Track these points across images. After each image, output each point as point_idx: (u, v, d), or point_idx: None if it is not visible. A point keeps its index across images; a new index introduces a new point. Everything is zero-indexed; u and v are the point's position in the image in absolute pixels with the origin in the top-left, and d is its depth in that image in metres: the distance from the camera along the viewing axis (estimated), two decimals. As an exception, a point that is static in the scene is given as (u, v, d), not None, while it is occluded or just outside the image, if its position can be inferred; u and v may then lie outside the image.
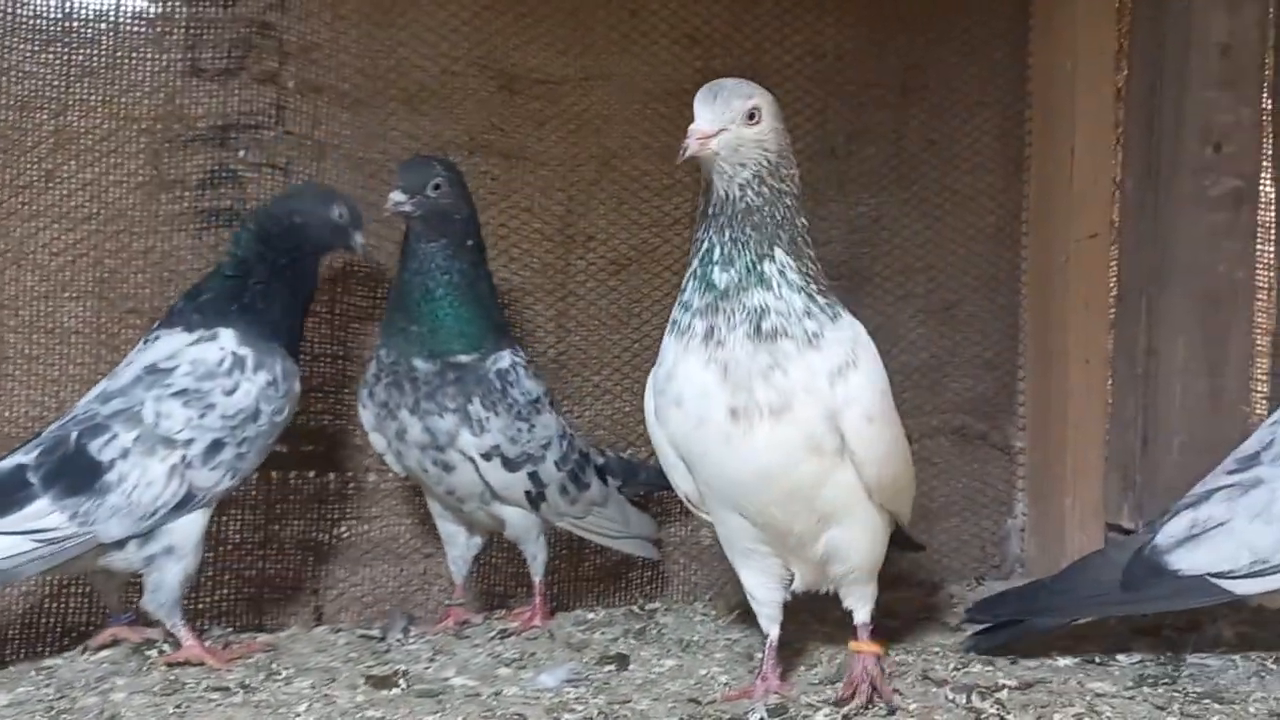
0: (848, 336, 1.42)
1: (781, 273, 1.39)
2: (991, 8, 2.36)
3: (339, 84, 2.03)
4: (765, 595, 1.54)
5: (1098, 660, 1.65)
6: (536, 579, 1.90)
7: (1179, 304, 2.12)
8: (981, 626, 1.68)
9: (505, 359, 1.84)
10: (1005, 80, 2.38)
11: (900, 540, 1.71)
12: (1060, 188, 2.27)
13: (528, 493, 1.84)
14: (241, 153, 1.97)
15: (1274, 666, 1.61)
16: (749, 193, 1.38)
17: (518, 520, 1.87)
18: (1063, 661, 1.64)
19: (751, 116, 1.37)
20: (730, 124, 1.35)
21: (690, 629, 1.85)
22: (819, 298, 1.40)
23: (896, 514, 1.56)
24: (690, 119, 1.40)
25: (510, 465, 1.81)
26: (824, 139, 2.30)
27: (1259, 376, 2.12)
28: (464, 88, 2.08)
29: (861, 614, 1.54)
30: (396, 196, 1.76)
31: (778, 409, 1.37)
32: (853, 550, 1.49)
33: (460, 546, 1.93)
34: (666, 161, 2.18)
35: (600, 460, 1.97)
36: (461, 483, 1.82)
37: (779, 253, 1.39)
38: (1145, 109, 2.19)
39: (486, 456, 1.79)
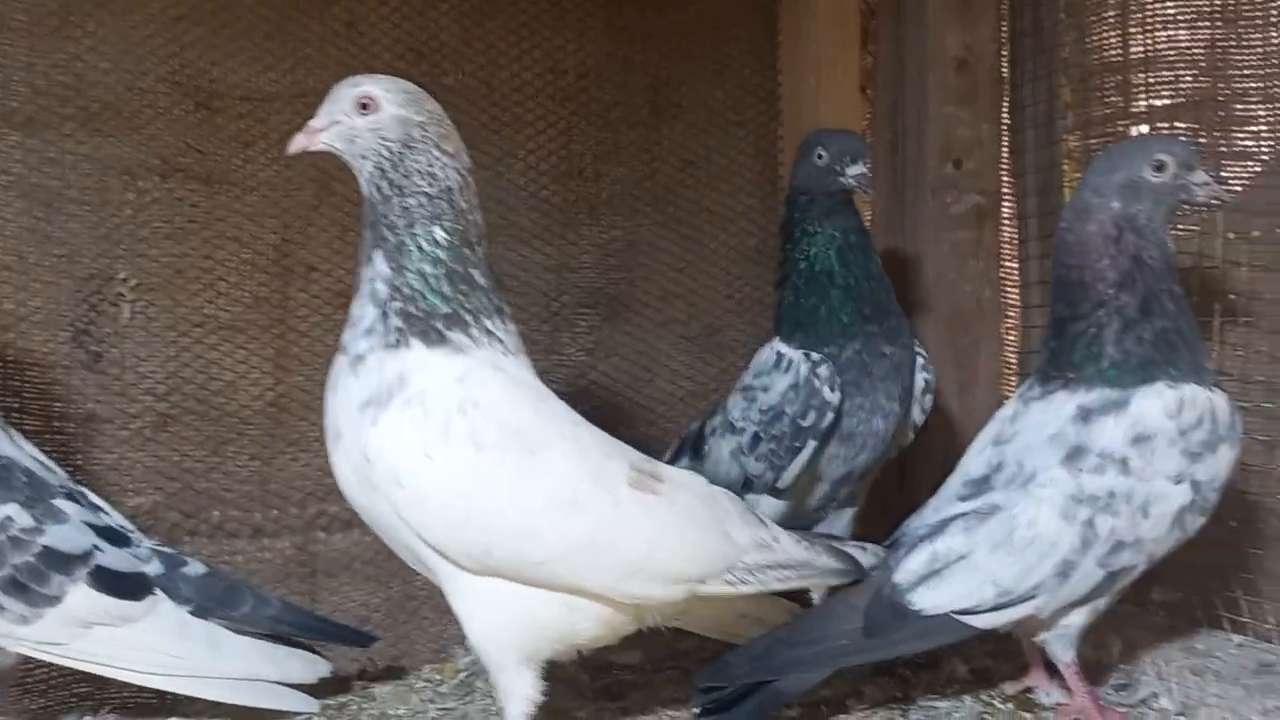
0: (395, 374, 1.28)
1: (371, 280, 1.32)
2: (740, 25, 2.28)
3: (6, 102, 1.81)
4: None
5: (824, 709, 1.54)
6: None
7: (928, 325, 2.07)
8: (712, 700, 1.45)
9: None
10: (757, 99, 2.31)
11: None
12: (811, 208, 2.20)
13: None
14: (-119, 182, 1.73)
15: (1000, 705, 1.54)
16: (373, 188, 1.32)
17: None
18: (789, 713, 1.53)
19: (365, 106, 1.30)
20: (341, 116, 1.31)
21: (402, 702, 1.66)
22: (398, 319, 1.30)
23: (589, 592, 1.31)
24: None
25: None
26: (571, 159, 2.18)
27: (1008, 395, 2.08)
28: (154, 106, 1.88)
29: (506, 715, 1.35)
30: None
31: (333, 434, 1.32)
32: (464, 622, 1.33)
33: None
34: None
35: (153, 568, 1.49)
36: None
37: (377, 258, 1.31)
38: (890, 127, 2.14)
39: None
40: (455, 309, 1.30)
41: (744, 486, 1.76)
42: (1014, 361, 2.09)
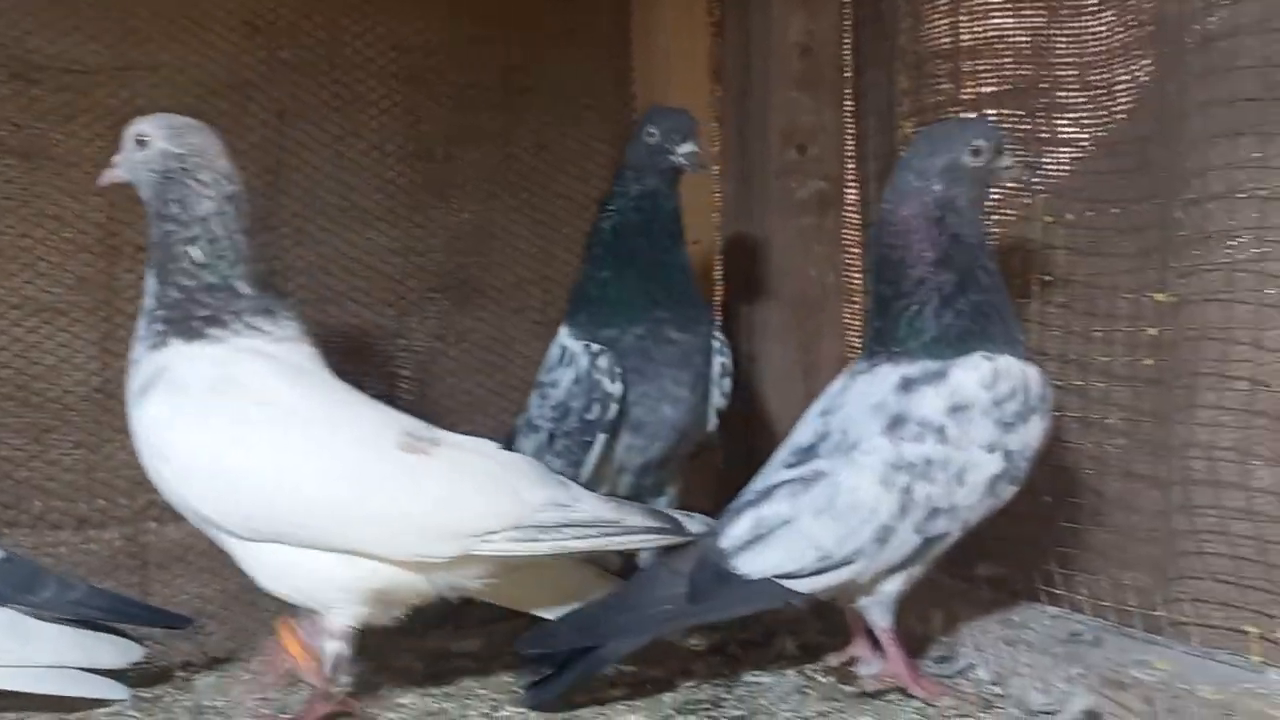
0: (157, 366, 1.40)
1: (146, 294, 1.45)
2: (593, 8, 2.27)
3: None
4: None
5: (649, 687, 1.54)
6: None
7: (774, 308, 2.10)
8: (538, 675, 1.48)
9: None
10: (611, 83, 2.30)
11: None
12: (665, 194, 2.20)
13: None
14: None
15: (822, 679, 1.56)
16: (149, 212, 1.47)
17: None
18: (615, 693, 1.52)
19: (140, 143, 1.46)
20: (127, 150, 1.47)
21: (221, 693, 1.61)
22: (160, 324, 1.42)
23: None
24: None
25: None
26: (419, 140, 2.15)
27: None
28: (-35, 76, 1.80)
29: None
30: None
31: (131, 434, 1.42)
32: (259, 584, 1.42)
33: None
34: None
35: None
36: None
37: (149, 274, 1.45)
38: (739, 113, 2.16)
39: None
40: (214, 313, 1.41)
41: None
42: (858, 345, 2.12)
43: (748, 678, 1.58)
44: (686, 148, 1.71)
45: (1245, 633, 1.40)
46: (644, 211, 1.75)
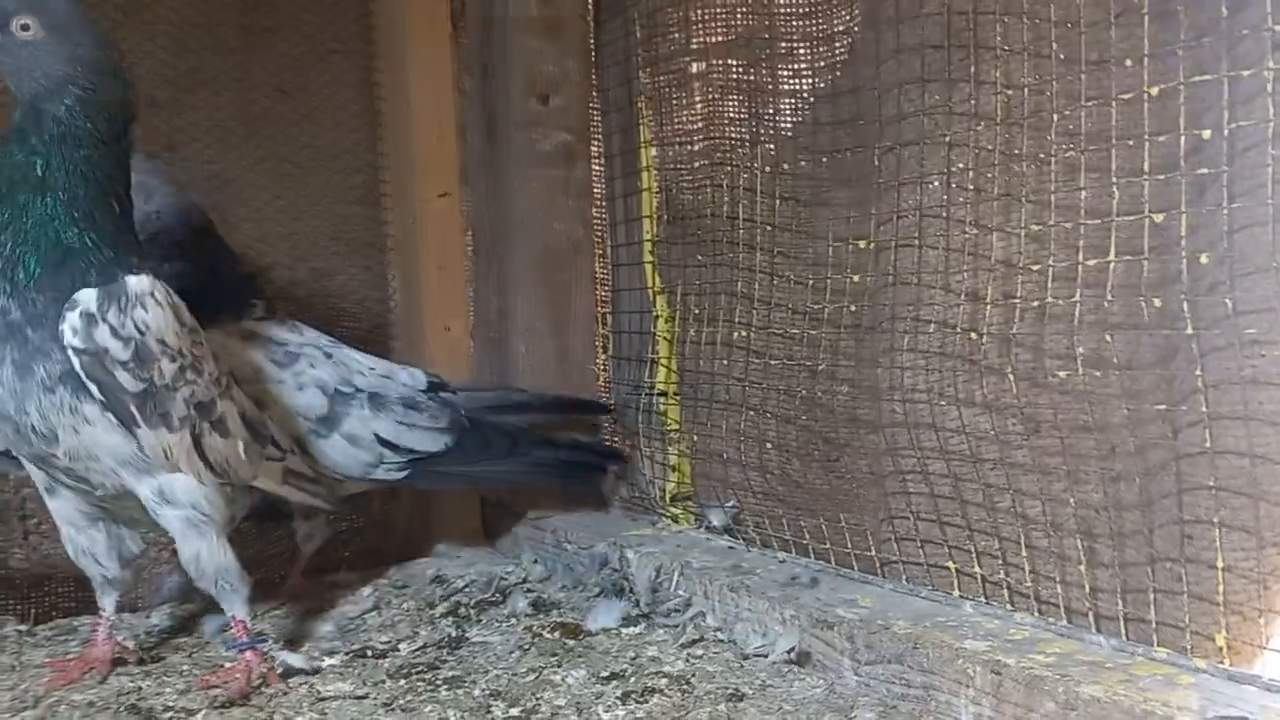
0: None
1: None
2: (334, -52, 2.16)
3: None
4: None
5: (369, 653, 1.50)
6: None
7: (521, 264, 2.05)
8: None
9: None
10: (354, 25, 2.19)
11: None
12: (407, 143, 2.13)
13: None
14: None
15: (548, 635, 1.54)
16: None
17: None
18: (330, 661, 1.47)
19: None
20: None
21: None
22: None
23: None
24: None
25: None
26: (140, 86, 1.99)
27: (603, 332, 2.09)
28: None
29: None
30: None
31: None
32: None
33: None
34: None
35: None
36: None
37: None
38: (481, 58, 2.09)
39: None
40: None
41: None
42: (606, 302, 2.10)
43: (476, 637, 1.55)
44: None
45: (947, 569, 1.45)
46: None
